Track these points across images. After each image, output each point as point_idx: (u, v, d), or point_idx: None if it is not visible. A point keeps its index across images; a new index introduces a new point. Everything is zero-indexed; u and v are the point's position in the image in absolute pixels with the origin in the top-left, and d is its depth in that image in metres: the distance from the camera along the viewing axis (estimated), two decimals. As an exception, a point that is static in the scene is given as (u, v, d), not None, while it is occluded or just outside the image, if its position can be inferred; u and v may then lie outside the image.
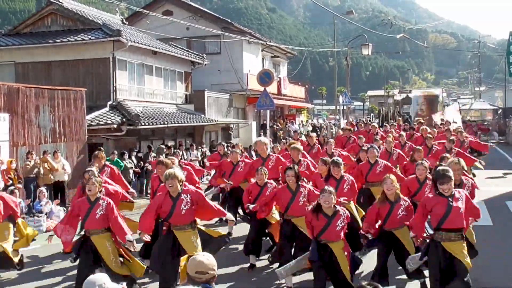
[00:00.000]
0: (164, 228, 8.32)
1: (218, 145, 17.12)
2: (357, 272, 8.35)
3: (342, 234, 7.79)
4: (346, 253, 7.77)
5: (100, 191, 8.57)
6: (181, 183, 8.19)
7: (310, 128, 41.24)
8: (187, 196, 8.21)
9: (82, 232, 8.83)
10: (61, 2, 24.26)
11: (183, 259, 6.24)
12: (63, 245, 8.77)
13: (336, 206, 7.84)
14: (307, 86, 50.56)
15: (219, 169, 13.51)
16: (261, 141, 12.67)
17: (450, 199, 7.15)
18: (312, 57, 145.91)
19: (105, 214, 8.36)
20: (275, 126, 35.89)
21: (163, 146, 22.27)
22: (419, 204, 7.71)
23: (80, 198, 9.07)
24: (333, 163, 10.10)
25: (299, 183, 9.26)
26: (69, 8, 24.60)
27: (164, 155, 21.07)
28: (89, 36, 22.84)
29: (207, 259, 4.67)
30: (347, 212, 8.02)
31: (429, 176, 9.86)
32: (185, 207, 8.13)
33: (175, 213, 8.11)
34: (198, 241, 8.18)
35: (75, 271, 8.94)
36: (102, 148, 18.37)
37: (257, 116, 37.09)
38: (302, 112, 51.98)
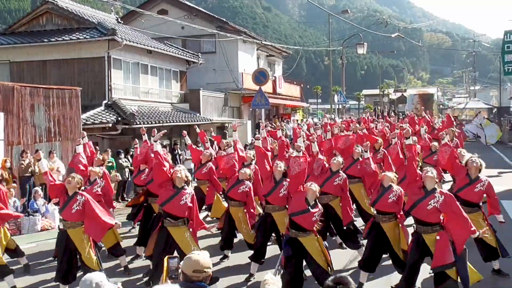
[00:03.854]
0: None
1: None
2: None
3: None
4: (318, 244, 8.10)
5: (79, 188, 8.75)
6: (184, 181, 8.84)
7: (306, 127, 41.21)
8: (191, 193, 8.85)
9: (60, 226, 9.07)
10: (56, 1, 24.23)
11: (166, 259, 6.18)
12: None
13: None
14: (302, 85, 50.58)
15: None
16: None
17: None
18: (307, 56, 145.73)
19: (81, 209, 8.56)
20: (270, 125, 35.87)
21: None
22: None
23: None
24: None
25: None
26: (64, 7, 24.56)
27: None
28: (84, 35, 22.82)
29: (203, 258, 4.69)
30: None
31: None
32: (186, 199, 8.68)
33: (173, 201, 8.61)
34: (190, 236, 8.70)
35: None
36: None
37: (252, 115, 37.09)
38: (298, 111, 51.97)
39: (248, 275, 9.58)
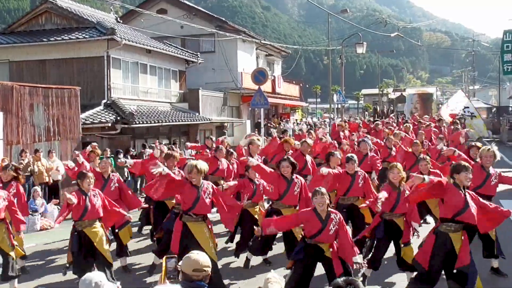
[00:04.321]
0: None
1: (206, 139, 17.10)
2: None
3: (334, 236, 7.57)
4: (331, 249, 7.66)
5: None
6: (203, 175, 8.39)
7: (305, 126, 41.22)
8: (209, 185, 8.47)
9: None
10: (56, 1, 24.23)
11: (164, 259, 6.11)
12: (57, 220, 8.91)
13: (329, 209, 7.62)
14: (301, 85, 50.62)
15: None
16: (256, 142, 12.61)
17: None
18: (307, 55, 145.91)
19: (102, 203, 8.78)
20: (269, 124, 35.91)
21: (154, 145, 22.19)
22: None
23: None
24: (347, 159, 10.25)
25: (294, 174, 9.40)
26: (64, 7, 24.57)
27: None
28: (84, 35, 22.81)
29: (202, 257, 4.74)
30: (339, 215, 7.64)
31: (432, 170, 10.18)
32: (208, 196, 8.34)
33: (200, 202, 8.26)
34: (209, 231, 8.43)
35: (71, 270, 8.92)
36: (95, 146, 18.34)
37: (251, 114, 37.11)
38: (297, 110, 52.00)
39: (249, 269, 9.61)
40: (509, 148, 34.09)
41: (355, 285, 4.17)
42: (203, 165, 8.30)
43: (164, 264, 5.06)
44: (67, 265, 8.78)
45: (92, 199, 8.60)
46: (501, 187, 17.71)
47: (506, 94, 55.50)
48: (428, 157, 10.80)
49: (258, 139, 12.98)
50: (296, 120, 46.23)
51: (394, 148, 14.78)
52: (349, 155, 10.54)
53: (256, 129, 32.91)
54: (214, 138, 17.53)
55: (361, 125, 22.89)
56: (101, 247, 8.56)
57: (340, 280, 4.23)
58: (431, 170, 10.39)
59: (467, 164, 7.67)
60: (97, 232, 8.60)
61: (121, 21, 30.38)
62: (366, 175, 10.30)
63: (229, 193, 9.47)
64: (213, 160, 12.93)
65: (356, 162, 10.20)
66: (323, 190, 7.52)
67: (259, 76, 24.35)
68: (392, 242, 8.67)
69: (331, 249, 7.59)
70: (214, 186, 8.60)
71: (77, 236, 8.58)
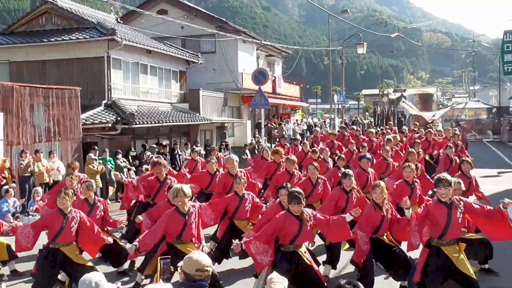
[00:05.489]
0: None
1: (191, 152, 16.77)
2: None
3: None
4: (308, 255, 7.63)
5: (72, 204, 8.41)
6: (189, 199, 7.96)
7: (305, 127, 41.28)
8: (195, 209, 8.09)
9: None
10: (56, 1, 24.22)
11: (159, 260, 6.05)
12: (16, 246, 8.42)
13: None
14: (302, 85, 50.61)
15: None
16: (232, 158, 12.02)
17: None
18: (307, 56, 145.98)
19: (78, 226, 8.31)
20: (269, 125, 35.91)
21: (154, 146, 22.23)
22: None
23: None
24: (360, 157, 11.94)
25: None
26: (64, 7, 24.56)
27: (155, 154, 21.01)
28: (84, 35, 22.81)
29: (204, 257, 4.82)
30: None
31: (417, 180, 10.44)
32: (194, 219, 7.99)
33: (186, 229, 7.92)
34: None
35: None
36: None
37: (252, 115, 37.10)
38: (297, 111, 51.98)
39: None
40: (510, 148, 34.12)
41: (357, 286, 4.20)
42: (186, 189, 7.92)
43: (159, 265, 5.12)
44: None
45: (69, 221, 8.18)
46: (501, 188, 17.72)
47: (506, 95, 55.45)
48: (413, 165, 10.73)
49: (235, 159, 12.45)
50: (297, 120, 46.21)
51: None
52: (362, 155, 12.39)
53: (257, 130, 32.93)
54: (197, 148, 17.52)
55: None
56: (78, 259, 8.25)
57: (343, 282, 4.25)
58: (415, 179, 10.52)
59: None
60: (73, 249, 8.30)
61: (122, 22, 30.36)
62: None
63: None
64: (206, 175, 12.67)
65: (370, 161, 11.96)
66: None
67: (259, 76, 24.41)
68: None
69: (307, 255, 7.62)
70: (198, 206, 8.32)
71: (49, 253, 8.27)
